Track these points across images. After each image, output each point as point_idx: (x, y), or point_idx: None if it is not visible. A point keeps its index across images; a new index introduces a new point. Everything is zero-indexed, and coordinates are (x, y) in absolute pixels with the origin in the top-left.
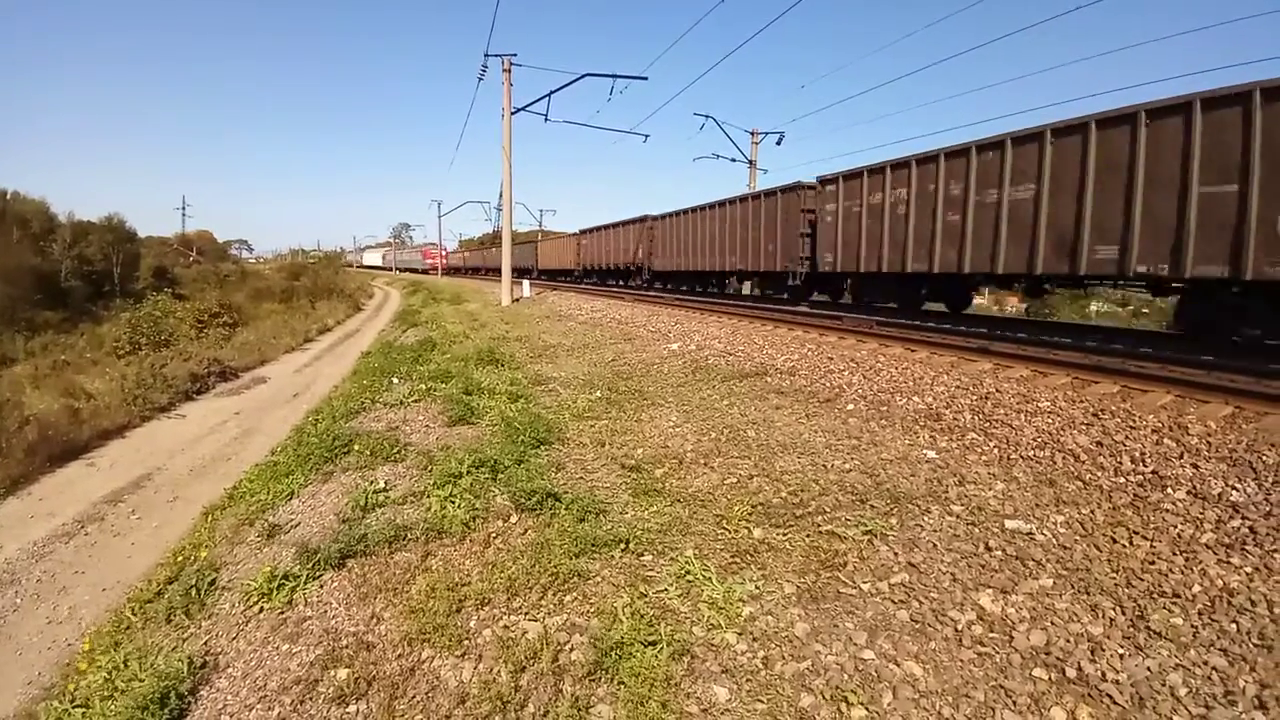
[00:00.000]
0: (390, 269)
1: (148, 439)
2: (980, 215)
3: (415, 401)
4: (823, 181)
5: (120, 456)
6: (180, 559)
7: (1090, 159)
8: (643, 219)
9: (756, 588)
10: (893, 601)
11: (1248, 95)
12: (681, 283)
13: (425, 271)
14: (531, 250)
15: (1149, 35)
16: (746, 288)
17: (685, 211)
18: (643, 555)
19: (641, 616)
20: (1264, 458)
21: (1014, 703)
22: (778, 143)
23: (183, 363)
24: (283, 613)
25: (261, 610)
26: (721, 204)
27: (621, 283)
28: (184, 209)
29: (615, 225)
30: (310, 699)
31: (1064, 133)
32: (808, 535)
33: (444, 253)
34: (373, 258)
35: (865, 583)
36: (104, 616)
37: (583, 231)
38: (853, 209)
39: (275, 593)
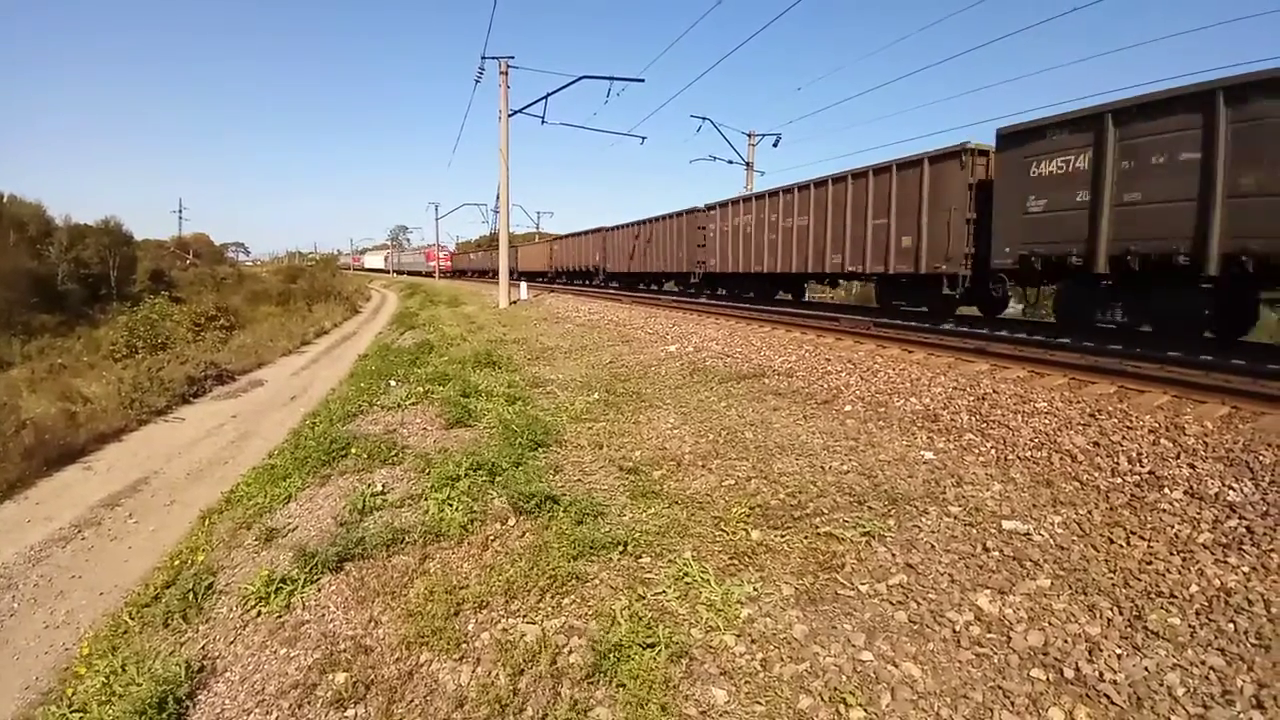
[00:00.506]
0: (393, 272)
1: (144, 443)
2: (784, 235)
3: (413, 404)
4: (708, 207)
5: (117, 460)
6: (177, 563)
7: (829, 200)
8: (599, 230)
9: (755, 589)
10: (891, 603)
11: (888, 168)
12: (628, 282)
13: (429, 274)
14: (513, 254)
15: (1145, 36)
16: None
17: (627, 225)
18: (641, 557)
19: (640, 619)
20: (1261, 458)
21: (1012, 703)
22: (774, 145)
23: (179, 366)
24: (280, 616)
25: (259, 614)
26: (651, 220)
27: (585, 282)
28: (180, 211)
29: (579, 234)
30: (308, 703)
31: (819, 185)
32: (806, 537)
33: (448, 254)
34: (375, 260)
35: (863, 584)
36: (101, 621)
37: (554, 239)
38: (724, 228)
39: (273, 597)
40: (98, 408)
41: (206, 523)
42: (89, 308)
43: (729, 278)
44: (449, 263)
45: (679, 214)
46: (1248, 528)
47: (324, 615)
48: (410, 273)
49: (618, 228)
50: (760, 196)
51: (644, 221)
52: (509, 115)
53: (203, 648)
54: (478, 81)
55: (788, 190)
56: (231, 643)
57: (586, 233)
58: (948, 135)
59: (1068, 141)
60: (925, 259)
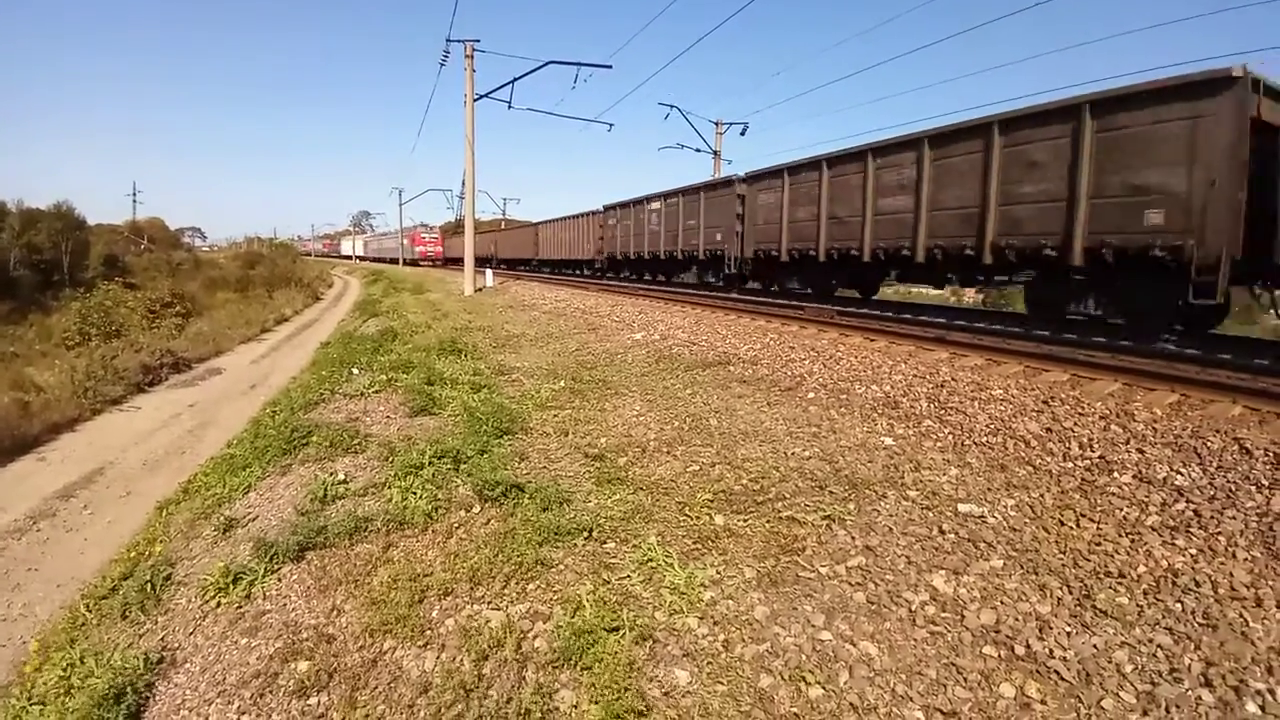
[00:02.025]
0: (380, 259)
1: (99, 432)
2: (564, 242)
3: (376, 392)
4: (539, 223)
5: (72, 450)
6: (134, 554)
7: (575, 226)
8: (492, 231)
9: (718, 573)
10: (850, 584)
11: (581, 215)
12: (510, 265)
13: (412, 262)
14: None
15: (1121, 28)
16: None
17: (510, 228)
18: (606, 543)
19: (604, 603)
20: (1208, 443)
21: (965, 679)
22: (742, 133)
23: (134, 354)
24: (240, 607)
25: (219, 605)
26: (520, 225)
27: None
28: (135, 195)
29: (485, 232)
30: (270, 692)
31: (575, 216)
32: (768, 521)
33: (438, 237)
34: (352, 247)
35: (823, 566)
36: (59, 613)
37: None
38: (544, 236)
39: (232, 587)
40: (51, 397)
41: (164, 514)
42: (41, 294)
43: (548, 263)
44: (440, 248)
45: (531, 224)
46: (1195, 511)
47: (285, 605)
48: (391, 260)
49: (506, 229)
50: (557, 219)
51: (517, 226)
52: (475, 100)
53: (162, 639)
54: (443, 65)
55: (565, 218)
56: (191, 634)
57: (488, 231)
58: (913, 125)
59: (625, 213)
60: (590, 253)
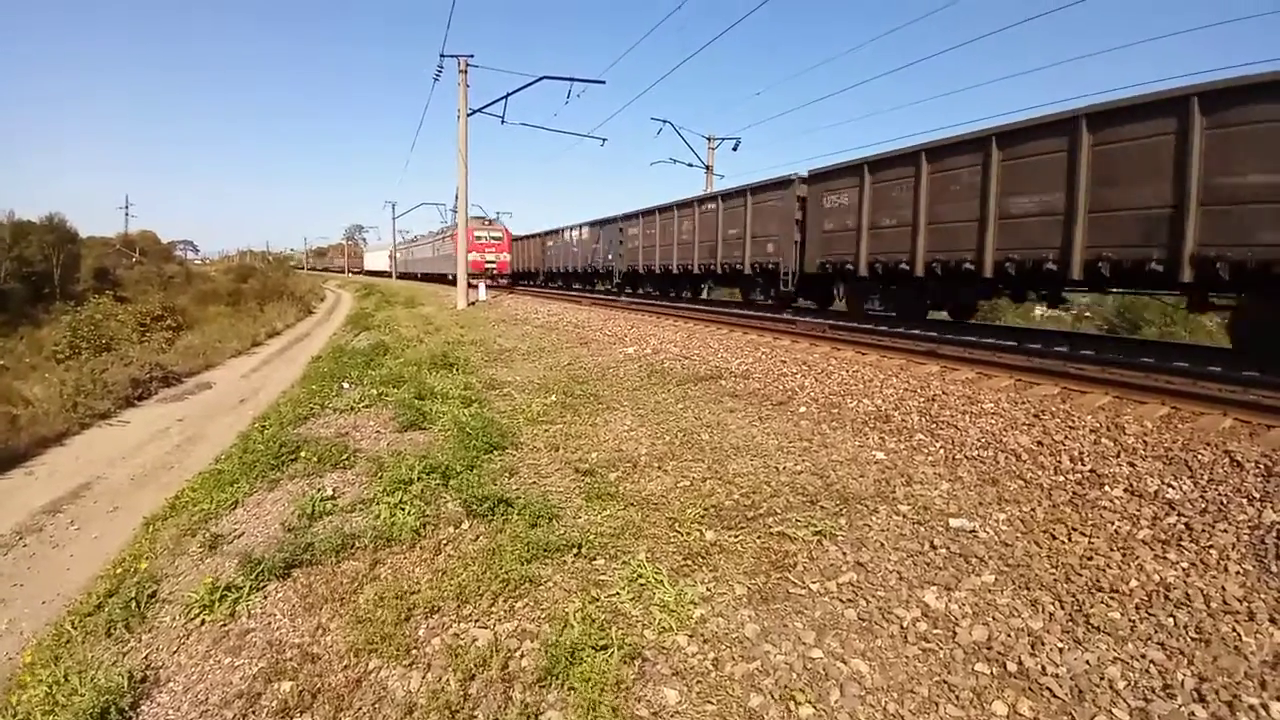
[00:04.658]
0: (380, 274)
1: (87, 447)
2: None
3: (366, 407)
4: (546, 232)
5: (59, 465)
6: (120, 571)
7: (577, 235)
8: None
9: (708, 589)
10: (841, 600)
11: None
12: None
13: (455, 280)
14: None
15: (1121, 40)
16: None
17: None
18: (595, 559)
19: (593, 621)
20: (1199, 456)
21: (957, 697)
22: (734, 148)
23: (124, 368)
24: (225, 625)
25: (203, 623)
26: (523, 238)
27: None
28: (127, 208)
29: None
30: (253, 713)
31: (573, 227)
32: (759, 536)
33: (504, 242)
34: (377, 259)
35: (814, 583)
36: (44, 630)
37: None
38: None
39: (217, 605)
40: (39, 411)
41: (150, 529)
42: (31, 307)
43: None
44: (507, 255)
45: (538, 235)
46: (1186, 524)
47: (270, 623)
48: (440, 277)
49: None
50: (567, 229)
51: (521, 238)
52: (468, 115)
53: (145, 657)
54: (436, 80)
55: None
56: (175, 652)
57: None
58: (910, 139)
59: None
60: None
